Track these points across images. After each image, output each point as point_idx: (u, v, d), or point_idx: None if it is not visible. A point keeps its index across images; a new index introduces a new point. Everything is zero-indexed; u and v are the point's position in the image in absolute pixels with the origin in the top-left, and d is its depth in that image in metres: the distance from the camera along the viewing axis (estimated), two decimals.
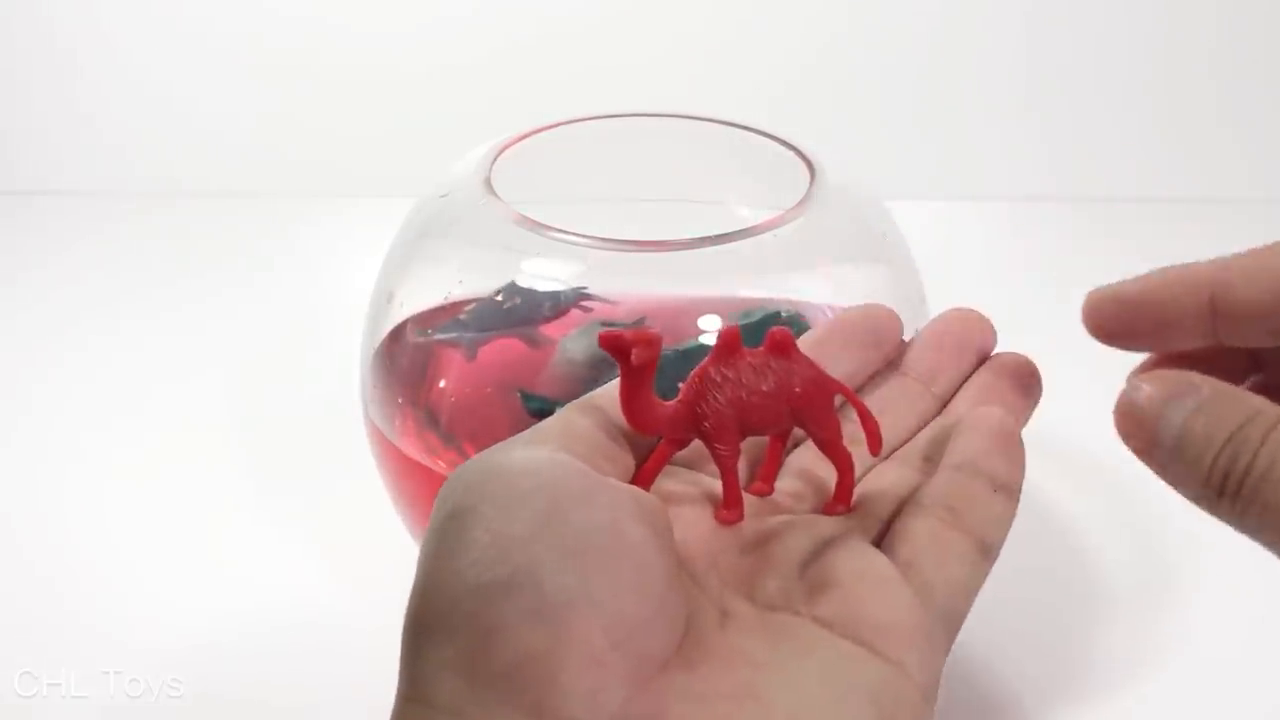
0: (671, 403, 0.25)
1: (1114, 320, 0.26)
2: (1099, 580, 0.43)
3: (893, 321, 0.30)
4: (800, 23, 0.71)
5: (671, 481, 0.27)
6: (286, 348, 0.57)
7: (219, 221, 0.70)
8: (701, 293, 0.41)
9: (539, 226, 0.37)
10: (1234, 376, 0.24)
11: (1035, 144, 0.73)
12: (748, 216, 0.39)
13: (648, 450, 0.26)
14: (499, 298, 0.41)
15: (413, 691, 0.21)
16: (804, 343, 0.28)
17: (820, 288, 0.40)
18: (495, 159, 0.41)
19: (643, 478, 0.26)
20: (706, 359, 0.25)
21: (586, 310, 0.40)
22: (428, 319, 0.42)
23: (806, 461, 0.28)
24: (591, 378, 0.38)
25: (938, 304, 0.41)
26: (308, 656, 0.39)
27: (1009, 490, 0.26)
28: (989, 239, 0.69)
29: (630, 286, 0.41)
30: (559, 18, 0.70)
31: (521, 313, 0.41)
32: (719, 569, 0.25)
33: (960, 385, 0.29)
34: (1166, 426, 0.22)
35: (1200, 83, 0.72)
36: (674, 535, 0.24)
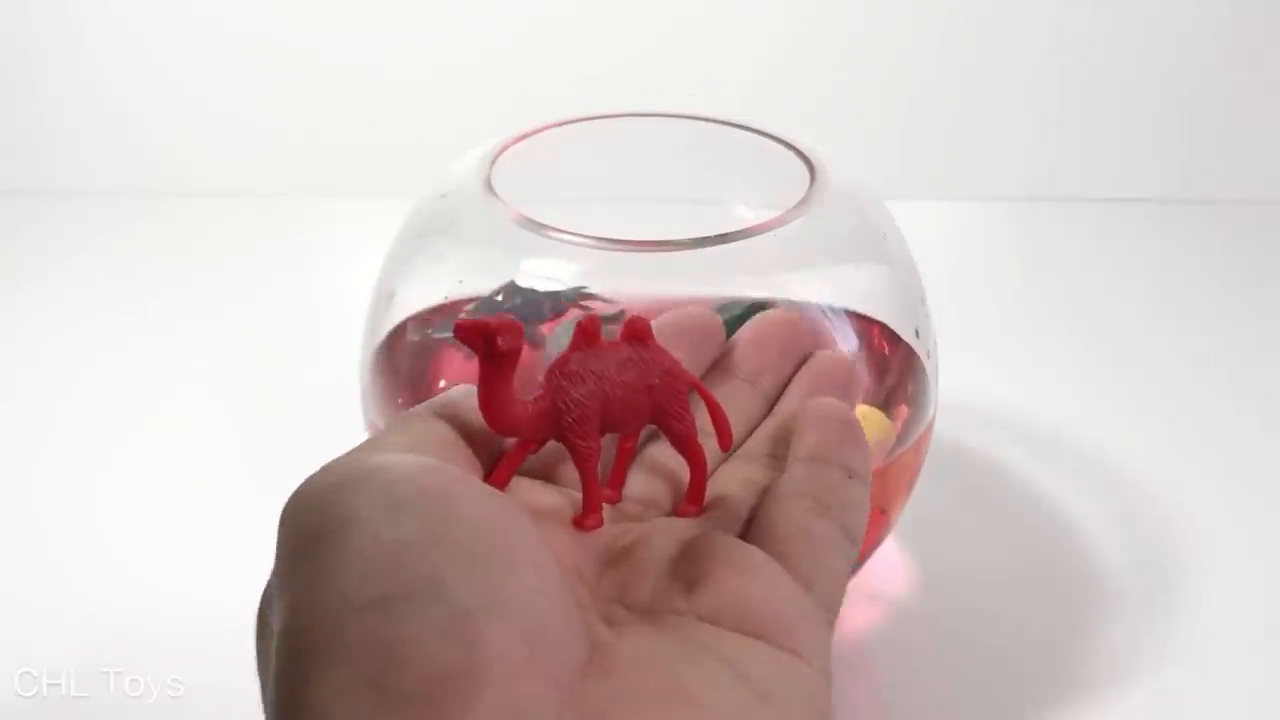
0: (531, 400, 0.23)
1: None
2: (1099, 580, 0.43)
3: (716, 323, 0.30)
4: (800, 22, 0.71)
5: (522, 488, 0.25)
6: (286, 348, 0.57)
7: (219, 221, 0.70)
8: (701, 293, 0.41)
9: (539, 226, 0.37)
10: None
11: (1035, 144, 0.73)
12: (748, 216, 0.39)
13: (494, 456, 0.24)
14: (499, 298, 0.41)
15: None
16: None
17: (820, 288, 0.40)
18: (495, 159, 0.41)
19: (498, 477, 0.24)
20: (564, 351, 0.24)
21: (586, 310, 0.40)
22: (428, 319, 0.41)
23: (651, 461, 0.27)
24: None
25: (938, 304, 0.41)
26: None
27: (862, 479, 0.25)
28: (989, 239, 0.69)
29: (630, 286, 0.41)
30: (559, 18, 0.70)
31: (521, 313, 0.41)
32: (584, 578, 0.23)
33: (784, 386, 0.29)
34: None
35: (1200, 83, 0.72)
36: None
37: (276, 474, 0.52)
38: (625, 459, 0.26)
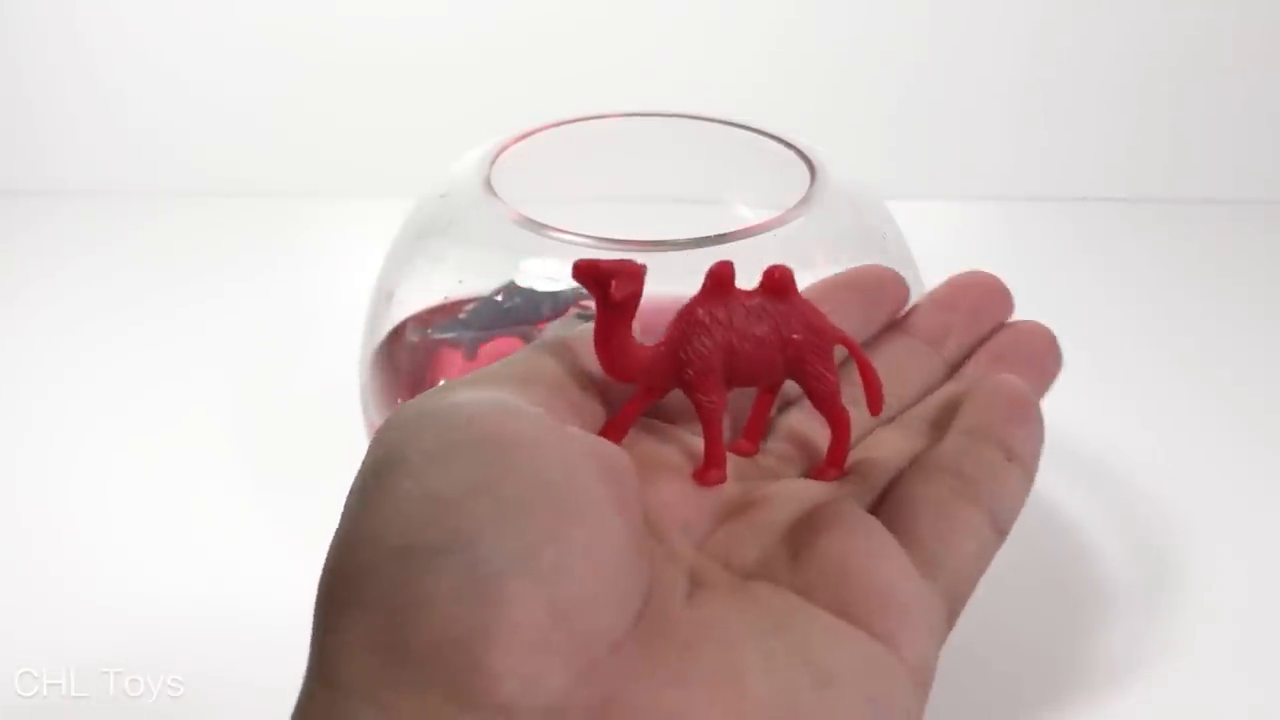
0: (652, 345, 0.22)
1: None
2: (1097, 580, 0.43)
3: (898, 280, 0.27)
4: (800, 22, 0.71)
5: (647, 436, 0.24)
6: (286, 348, 0.57)
7: (219, 221, 0.70)
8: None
9: (539, 226, 0.37)
10: None
11: (1035, 144, 0.73)
12: (748, 216, 0.39)
13: (623, 401, 0.23)
14: (499, 297, 0.41)
15: (320, 671, 0.18)
16: (804, 294, 0.25)
17: None
18: (495, 159, 0.41)
19: (614, 429, 0.23)
20: (693, 297, 0.22)
21: (587, 310, 0.40)
22: (427, 318, 0.41)
23: (797, 423, 0.25)
24: None
25: None
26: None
27: (1024, 464, 0.23)
28: (989, 239, 0.69)
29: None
30: (559, 17, 0.70)
31: (521, 312, 0.41)
32: (693, 534, 0.22)
33: (971, 351, 0.27)
34: None
35: (1200, 83, 0.72)
36: (643, 494, 0.21)
37: (276, 473, 0.52)
38: (765, 409, 0.25)
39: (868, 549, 0.21)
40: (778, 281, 0.23)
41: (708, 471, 0.23)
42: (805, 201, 0.39)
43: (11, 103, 0.73)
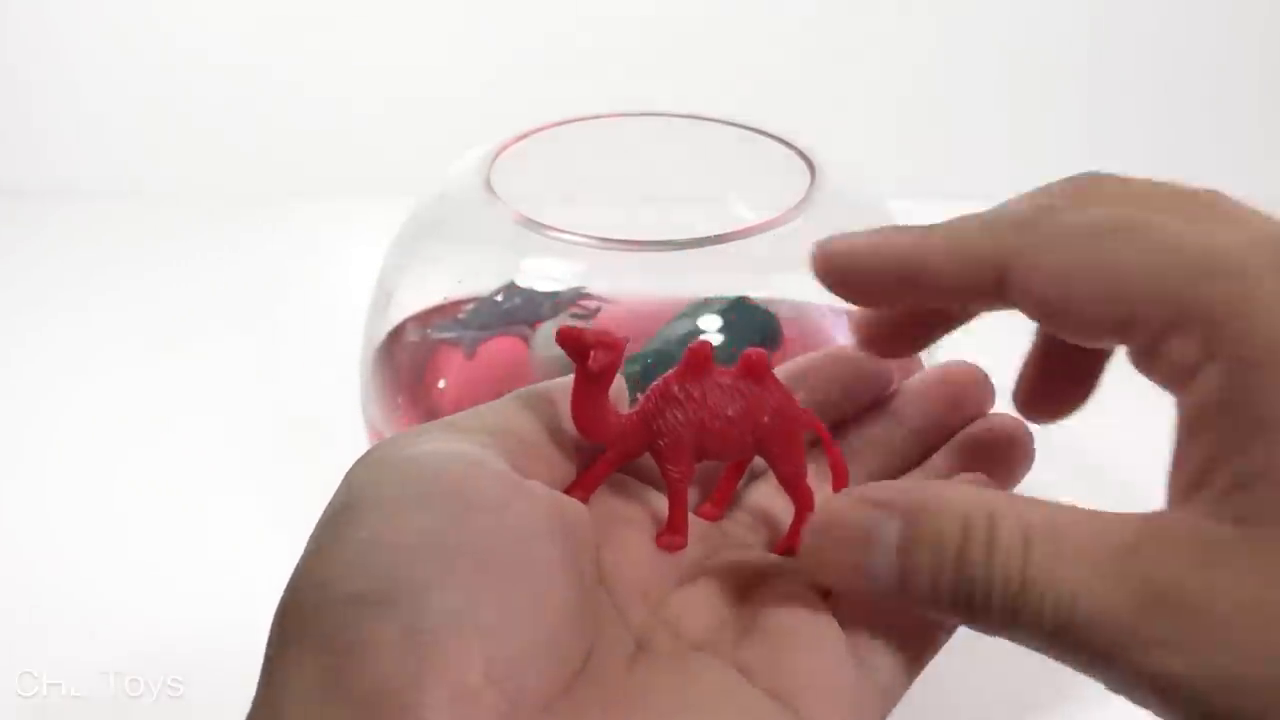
0: (627, 413, 0.23)
1: (845, 273, 0.24)
2: None
3: (881, 363, 0.27)
4: (800, 22, 0.71)
5: (616, 496, 0.24)
6: (286, 348, 0.57)
7: (219, 221, 0.70)
8: (701, 292, 0.41)
9: (539, 226, 0.37)
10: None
11: (1035, 144, 0.73)
12: (748, 216, 0.39)
13: (595, 456, 0.24)
14: (498, 297, 0.41)
15: (265, 701, 0.19)
16: (785, 369, 0.26)
17: (820, 288, 0.40)
18: (495, 159, 0.41)
19: (584, 484, 0.23)
20: (671, 372, 0.23)
21: (584, 310, 0.40)
22: (427, 319, 0.42)
23: (764, 496, 0.26)
24: (568, 370, 0.39)
25: None
26: None
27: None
28: None
29: (630, 286, 0.41)
30: (559, 18, 0.70)
31: (521, 312, 0.41)
32: (649, 597, 0.23)
33: (946, 440, 0.27)
34: (879, 562, 0.20)
35: (1201, 83, 0.72)
36: (603, 555, 0.22)
37: (276, 474, 0.52)
38: (733, 480, 0.25)
39: (810, 635, 0.21)
40: (754, 365, 0.23)
41: (669, 537, 0.24)
42: (804, 201, 0.39)
43: (11, 103, 0.73)
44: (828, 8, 0.70)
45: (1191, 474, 0.19)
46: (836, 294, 0.24)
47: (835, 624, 0.22)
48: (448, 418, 0.22)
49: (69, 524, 0.46)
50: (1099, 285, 0.20)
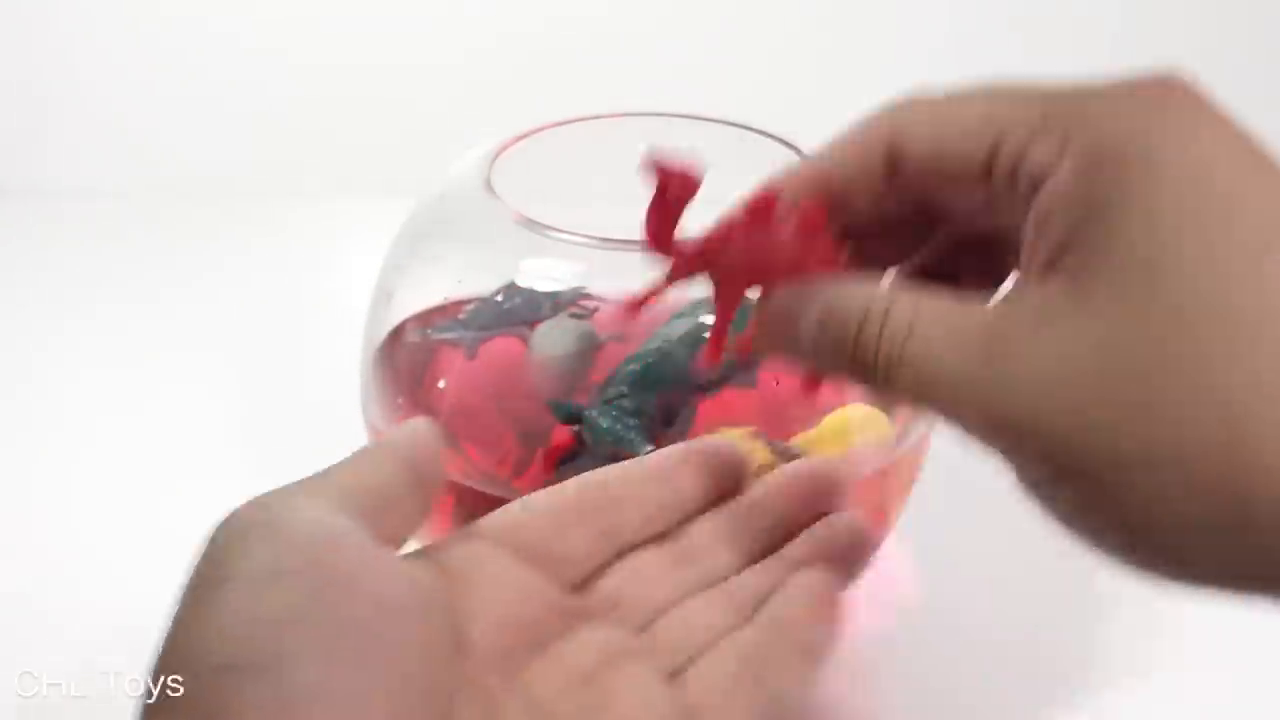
0: (692, 241, 0.25)
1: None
2: (1099, 580, 0.43)
3: (739, 459, 0.30)
4: (800, 22, 0.71)
5: (477, 541, 0.26)
6: (286, 348, 0.57)
7: (219, 221, 0.70)
8: (701, 293, 0.41)
9: (539, 226, 0.37)
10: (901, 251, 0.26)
11: None
12: None
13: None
14: (499, 298, 0.41)
15: None
16: (655, 459, 0.29)
17: None
18: (495, 159, 0.41)
19: (632, 308, 0.26)
20: (738, 218, 0.25)
21: (584, 309, 0.40)
22: (427, 319, 0.42)
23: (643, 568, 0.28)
24: (566, 369, 0.39)
25: None
26: None
27: (815, 656, 0.26)
28: None
29: (630, 286, 0.41)
30: (559, 17, 0.70)
31: (521, 313, 0.41)
32: (514, 657, 0.24)
33: (797, 532, 0.29)
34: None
35: (1200, 82, 0.72)
36: (461, 619, 0.24)
37: (277, 474, 0.52)
38: (726, 321, 0.27)
39: (644, 717, 0.24)
40: (810, 221, 0.25)
41: (709, 355, 0.27)
42: None
43: (12, 103, 0.73)
44: (828, 8, 0.70)
45: (1042, 261, 0.21)
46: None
47: (671, 703, 0.24)
48: (309, 478, 0.24)
49: (69, 524, 0.46)
50: (971, 117, 0.23)
